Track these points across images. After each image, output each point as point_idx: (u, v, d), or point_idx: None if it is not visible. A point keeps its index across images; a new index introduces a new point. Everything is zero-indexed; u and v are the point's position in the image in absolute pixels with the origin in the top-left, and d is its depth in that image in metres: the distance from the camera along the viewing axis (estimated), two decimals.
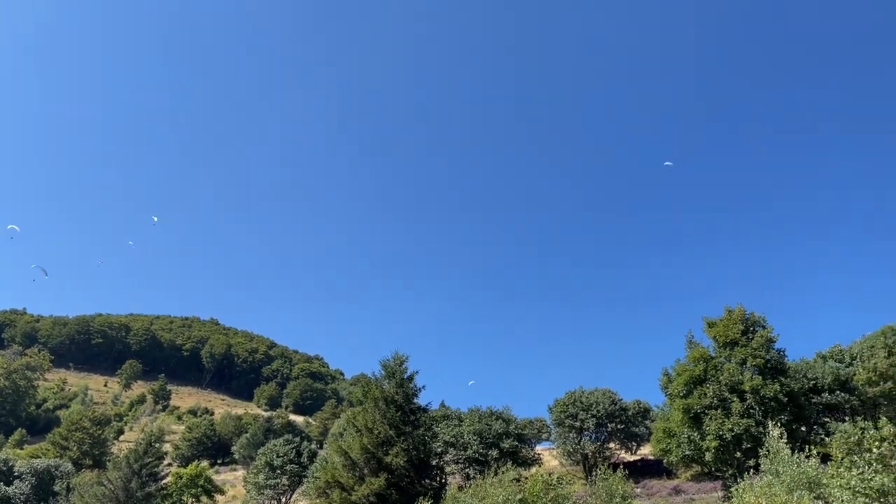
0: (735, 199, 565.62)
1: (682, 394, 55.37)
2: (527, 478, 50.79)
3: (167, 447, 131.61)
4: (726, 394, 52.23)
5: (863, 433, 27.53)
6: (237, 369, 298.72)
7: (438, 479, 51.01)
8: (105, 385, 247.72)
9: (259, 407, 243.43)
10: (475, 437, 70.06)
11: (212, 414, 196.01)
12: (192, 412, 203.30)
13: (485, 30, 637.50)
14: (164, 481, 76.99)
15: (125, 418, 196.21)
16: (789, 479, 28.60)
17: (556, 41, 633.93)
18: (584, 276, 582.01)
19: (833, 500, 26.84)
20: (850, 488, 25.62)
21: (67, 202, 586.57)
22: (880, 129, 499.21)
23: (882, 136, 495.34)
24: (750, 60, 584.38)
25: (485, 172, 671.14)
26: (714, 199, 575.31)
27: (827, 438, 49.82)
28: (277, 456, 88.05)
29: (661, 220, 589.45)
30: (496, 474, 41.88)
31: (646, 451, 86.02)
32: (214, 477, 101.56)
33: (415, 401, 49.92)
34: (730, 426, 50.00)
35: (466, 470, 68.65)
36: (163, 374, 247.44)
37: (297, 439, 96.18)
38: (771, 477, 30.05)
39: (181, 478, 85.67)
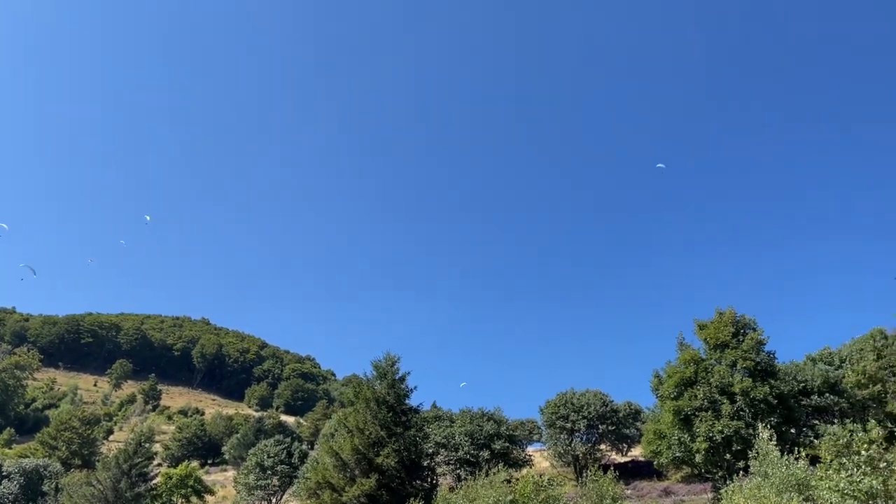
0: (729, 201, 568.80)
1: (672, 395, 55.58)
2: (518, 479, 50.80)
3: (157, 447, 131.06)
4: (717, 396, 52.47)
5: (851, 435, 27.68)
6: (228, 369, 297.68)
7: (429, 480, 50.98)
8: (95, 385, 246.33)
9: (250, 407, 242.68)
10: (466, 438, 70.06)
11: (202, 414, 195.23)
12: (183, 412, 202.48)
13: (485, 30, 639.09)
14: (154, 482, 76.60)
15: (115, 418, 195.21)
16: (778, 481, 28.74)
17: (555, 41, 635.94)
18: (579, 278, 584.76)
19: (822, 502, 26.98)
20: (838, 490, 25.76)
21: (57, 200, 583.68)
22: (873, 129, 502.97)
23: (876, 138, 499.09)
24: (745, 61, 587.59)
25: (477, 171, 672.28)
26: (709, 200, 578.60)
27: (816, 441, 50.09)
28: (268, 456, 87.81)
29: (657, 222, 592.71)
30: (487, 475, 41.92)
31: (636, 452, 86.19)
32: (204, 477, 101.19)
33: (406, 402, 49.86)
34: (720, 428, 50.23)
35: (457, 471, 68.60)
36: (153, 374, 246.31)
37: (288, 440, 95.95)
38: (760, 479, 30.19)
39: (171, 478, 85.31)
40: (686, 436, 53.56)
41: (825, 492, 26.36)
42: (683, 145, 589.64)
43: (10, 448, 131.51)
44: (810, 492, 27.81)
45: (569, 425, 74.59)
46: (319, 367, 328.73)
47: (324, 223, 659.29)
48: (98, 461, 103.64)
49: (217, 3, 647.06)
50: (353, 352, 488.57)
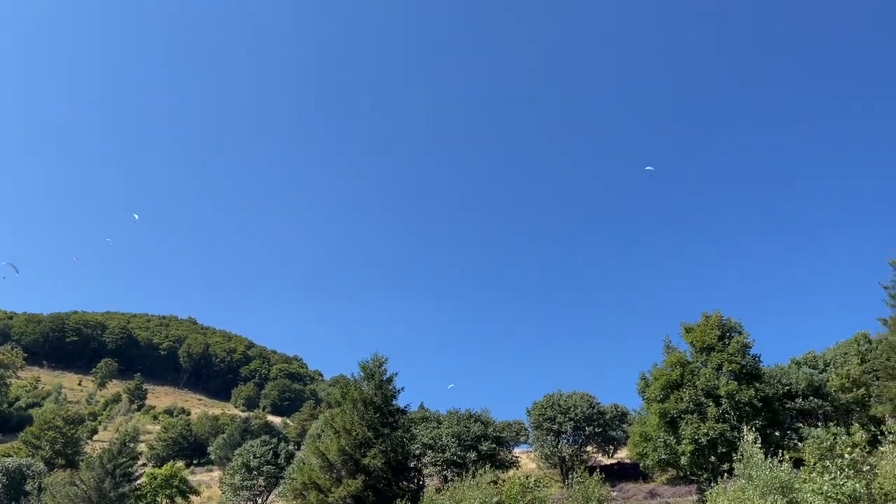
0: (720, 201, 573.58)
1: (658, 398, 55.80)
2: (504, 480, 50.87)
3: (142, 447, 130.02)
4: (702, 398, 52.73)
5: (835, 439, 27.99)
6: (215, 369, 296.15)
7: (416, 481, 50.95)
8: (79, 384, 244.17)
9: (236, 407, 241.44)
10: (453, 440, 70.01)
11: (188, 414, 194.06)
12: (169, 412, 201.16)
13: (485, 29, 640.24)
14: (139, 482, 76.12)
15: (99, 418, 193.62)
16: (762, 484, 28.89)
17: (554, 41, 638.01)
18: (569, 279, 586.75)
19: None
20: (822, 493, 25.95)
21: (43, 197, 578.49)
22: (862, 132, 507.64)
23: (865, 141, 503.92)
24: (740, 62, 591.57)
25: (471, 171, 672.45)
26: (702, 203, 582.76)
27: (800, 443, 50.42)
28: (254, 457, 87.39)
29: (648, 224, 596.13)
30: (474, 477, 41.95)
31: (623, 454, 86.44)
32: (190, 477, 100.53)
33: (393, 402, 49.79)
34: (705, 430, 50.48)
35: (444, 472, 68.53)
36: (139, 374, 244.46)
37: (275, 440, 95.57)
38: (745, 481, 30.34)
39: (155, 478, 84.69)
40: (672, 438, 53.80)
41: (809, 494, 26.55)
42: (680, 146, 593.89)
43: None
44: (794, 494, 27.99)
45: (555, 427, 74.73)
46: (307, 368, 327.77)
47: (313, 223, 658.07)
48: (82, 461, 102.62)
49: (216, 3, 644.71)
50: (341, 352, 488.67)
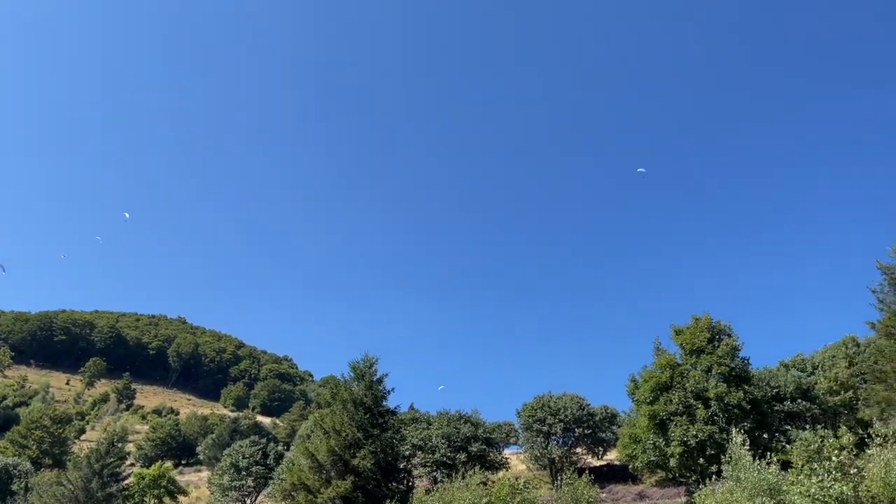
0: (716, 206, 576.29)
1: (648, 400, 55.96)
2: (494, 482, 50.85)
3: (130, 447, 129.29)
4: (691, 400, 52.93)
5: (823, 441, 28.08)
6: (204, 369, 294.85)
7: (406, 482, 50.83)
8: (67, 383, 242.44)
9: (226, 407, 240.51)
10: (443, 441, 69.96)
11: (177, 414, 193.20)
12: (157, 412, 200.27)
13: (485, 29, 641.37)
14: (126, 482, 75.58)
15: (87, 417, 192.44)
16: (750, 486, 28.98)
17: (553, 41, 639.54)
18: (568, 280, 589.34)
19: None
20: (809, 496, 26.05)
21: (30, 195, 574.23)
22: (852, 134, 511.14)
23: (856, 142, 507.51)
24: (736, 62, 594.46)
25: (463, 171, 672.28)
26: (697, 204, 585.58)
27: (788, 446, 50.64)
28: (243, 457, 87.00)
29: (645, 225, 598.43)
30: (463, 478, 41.93)
31: (612, 456, 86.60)
32: (178, 478, 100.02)
33: (384, 403, 49.64)
34: (694, 432, 50.66)
35: (434, 473, 68.45)
36: (127, 373, 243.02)
37: (264, 440, 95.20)
38: (733, 483, 30.42)
39: (143, 478, 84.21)
40: (661, 440, 53.96)
41: (796, 497, 26.65)
42: (675, 148, 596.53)
43: None
44: (782, 497, 28.10)
45: (545, 428, 74.79)
46: (297, 368, 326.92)
47: (306, 222, 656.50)
48: (69, 461, 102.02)
49: (216, 3, 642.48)
50: (332, 353, 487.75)
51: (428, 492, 49.03)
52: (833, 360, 67.88)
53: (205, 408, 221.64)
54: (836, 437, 27.42)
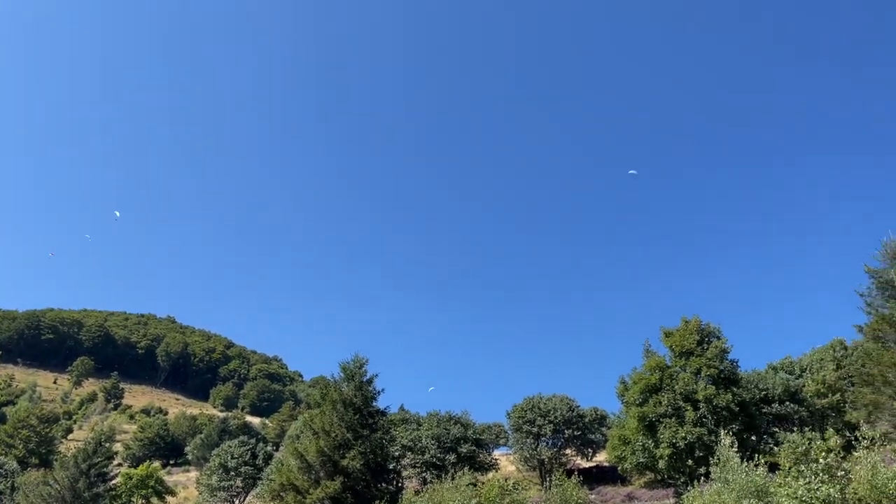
0: (707, 208, 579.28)
1: (637, 402, 56.14)
2: (483, 483, 50.88)
3: (118, 447, 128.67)
4: (681, 403, 53.15)
5: (810, 443, 28.23)
6: (193, 369, 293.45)
7: (395, 483, 50.70)
8: (55, 382, 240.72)
9: (215, 407, 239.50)
10: (433, 442, 69.94)
11: (166, 414, 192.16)
12: (146, 411, 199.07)
13: (486, 29, 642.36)
14: (114, 482, 75.11)
15: (75, 417, 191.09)
16: (738, 488, 29.09)
17: (554, 41, 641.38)
18: (566, 280, 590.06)
19: None
20: (796, 497, 26.17)
21: (19, 193, 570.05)
22: (843, 135, 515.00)
23: (847, 144, 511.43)
24: (732, 63, 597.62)
25: (463, 171, 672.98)
26: (688, 207, 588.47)
27: (776, 448, 51.01)
28: (232, 457, 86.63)
29: (639, 226, 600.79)
30: (453, 479, 41.92)
31: (601, 457, 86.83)
32: (166, 478, 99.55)
33: (373, 404, 49.51)
34: (683, 434, 50.87)
35: (423, 474, 68.43)
36: (115, 372, 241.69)
37: (253, 441, 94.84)
38: (721, 485, 30.54)
39: (131, 478, 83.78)
40: (650, 442, 54.14)
41: (784, 499, 26.77)
42: (670, 149, 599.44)
43: None
44: (769, 498, 28.23)
45: (535, 430, 74.84)
46: (286, 368, 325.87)
47: (295, 221, 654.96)
48: (56, 460, 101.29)
49: (216, 3, 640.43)
50: (322, 353, 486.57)
51: (417, 493, 49.00)
52: (821, 362, 68.29)
53: (194, 408, 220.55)
54: (824, 439, 27.62)
